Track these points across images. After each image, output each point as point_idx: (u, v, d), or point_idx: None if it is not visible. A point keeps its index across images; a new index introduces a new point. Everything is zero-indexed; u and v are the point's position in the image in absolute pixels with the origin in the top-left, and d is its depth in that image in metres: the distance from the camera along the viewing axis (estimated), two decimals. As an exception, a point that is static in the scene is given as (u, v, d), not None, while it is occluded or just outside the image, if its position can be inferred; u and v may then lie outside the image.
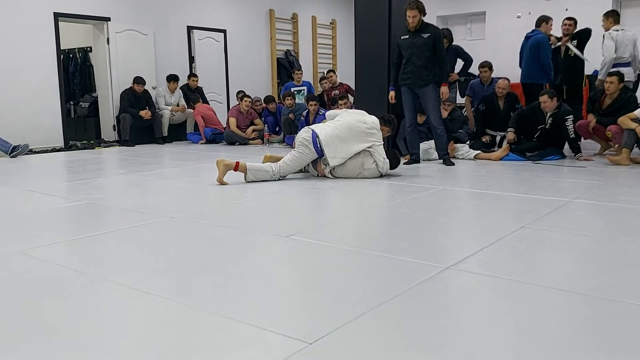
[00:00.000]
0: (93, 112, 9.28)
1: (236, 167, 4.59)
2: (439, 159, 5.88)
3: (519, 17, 7.73)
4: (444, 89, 5.57)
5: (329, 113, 5.33)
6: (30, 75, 7.86)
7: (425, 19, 5.67)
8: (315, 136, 4.76)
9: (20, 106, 7.74)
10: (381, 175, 4.90)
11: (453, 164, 5.65)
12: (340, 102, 7.64)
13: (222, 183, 4.56)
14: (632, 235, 2.93)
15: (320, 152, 4.77)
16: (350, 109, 7.37)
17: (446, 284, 2.20)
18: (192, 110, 9.21)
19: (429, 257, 2.54)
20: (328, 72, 9.51)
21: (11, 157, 7.01)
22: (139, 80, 8.57)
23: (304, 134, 4.86)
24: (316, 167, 4.91)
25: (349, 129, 4.81)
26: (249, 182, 4.64)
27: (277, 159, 4.91)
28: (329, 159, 4.74)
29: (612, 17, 6.55)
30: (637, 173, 5.02)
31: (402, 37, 5.70)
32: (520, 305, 1.96)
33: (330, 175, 4.83)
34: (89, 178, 5.20)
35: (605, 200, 3.86)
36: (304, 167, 4.97)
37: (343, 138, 4.77)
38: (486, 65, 7.32)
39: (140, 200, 4.21)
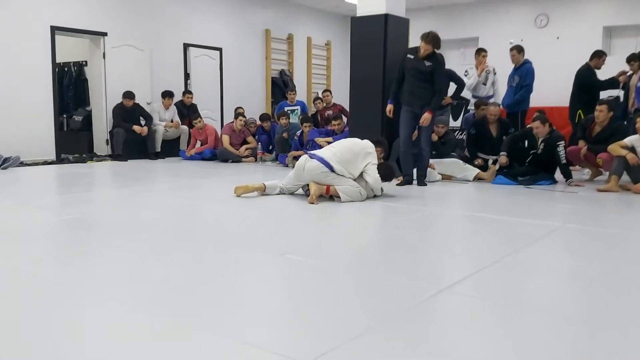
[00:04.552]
0: (86, 126, 9.25)
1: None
2: (415, 178, 5.86)
3: (511, 43, 7.88)
4: (426, 115, 5.58)
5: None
6: (25, 87, 7.84)
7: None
8: (321, 159, 4.70)
9: (13, 118, 7.69)
10: (375, 196, 4.91)
11: (425, 184, 5.73)
12: (334, 122, 7.55)
13: (238, 195, 4.80)
14: (623, 260, 2.95)
15: (330, 166, 4.70)
16: (344, 129, 7.42)
17: (440, 307, 2.20)
18: (185, 127, 9.21)
19: (423, 279, 2.54)
20: (324, 91, 9.56)
21: (2, 169, 6.95)
22: (127, 95, 8.56)
23: (312, 165, 4.72)
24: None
25: (348, 150, 4.80)
26: (262, 195, 4.92)
27: (257, 188, 4.92)
28: (335, 167, 4.67)
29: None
30: (627, 199, 5.08)
31: (408, 55, 5.71)
32: (514, 329, 1.96)
33: (339, 199, 4.71)
34: (81, 192, 5.16)
35: (596, 225, 3.89)
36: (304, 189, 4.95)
37: (343, 160, 4.74)
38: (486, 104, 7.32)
39: (132, 215, 4.18)
